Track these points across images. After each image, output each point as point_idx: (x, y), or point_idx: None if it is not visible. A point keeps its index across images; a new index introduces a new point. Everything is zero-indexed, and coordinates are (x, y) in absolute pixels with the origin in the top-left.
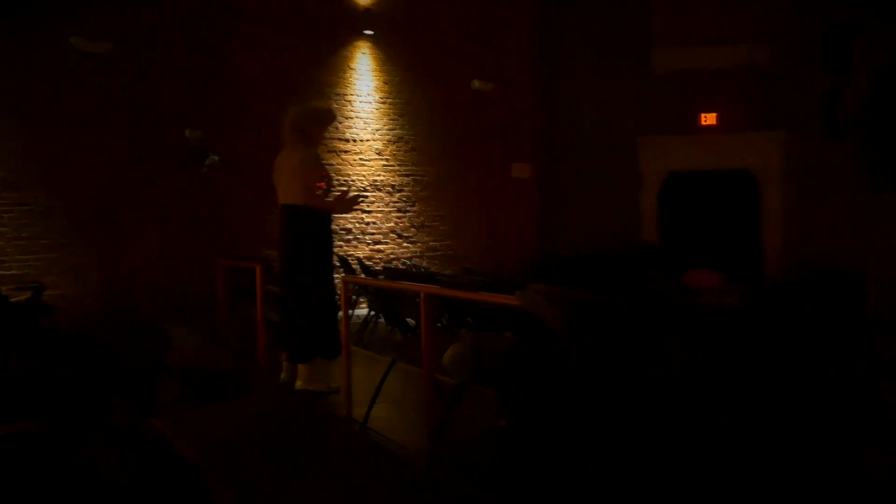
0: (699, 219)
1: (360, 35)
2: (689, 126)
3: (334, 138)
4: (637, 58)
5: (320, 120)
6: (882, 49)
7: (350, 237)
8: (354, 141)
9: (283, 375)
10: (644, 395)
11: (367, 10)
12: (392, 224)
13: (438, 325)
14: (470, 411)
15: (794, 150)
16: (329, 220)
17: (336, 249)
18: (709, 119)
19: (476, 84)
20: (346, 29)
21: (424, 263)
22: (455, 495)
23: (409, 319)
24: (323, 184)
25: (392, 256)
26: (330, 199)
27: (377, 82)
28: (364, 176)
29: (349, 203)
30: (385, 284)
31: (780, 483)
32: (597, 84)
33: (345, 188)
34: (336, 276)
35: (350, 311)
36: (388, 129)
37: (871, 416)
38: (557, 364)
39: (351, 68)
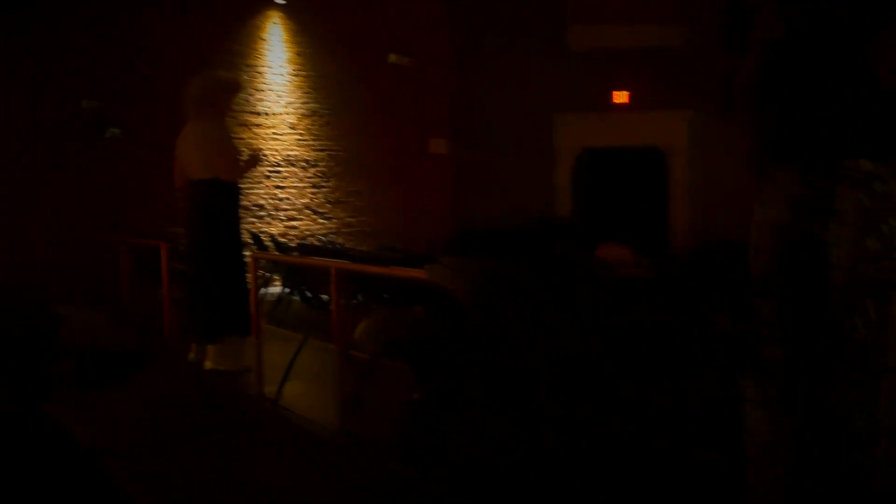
0: (612, 194)
1: (271, 4)
2: (602, 104)
3: (245, 111)
4: (553, 35)
5: (227, 90)
6: (775, 25)
7: (263, 213)
8: (266, 114)
9: (191, 355)
10: (549, 363)
11: None
12: (307, 200)
13: (354, 301)
14: (384, 386)
15: (701, 128)
16: (238, 195)
17: (248, 226)
18: (621, 97)
19: (392, 58)
20: None
21: (340, 240)
22: (368, 469)
23: (323, 296)
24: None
25: (307, 233)
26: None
27: (290, 54)
28: (277, 150)
29: (252, 163)
30: (295, 260)
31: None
32: (513, 60)
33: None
34: (247, 252)
35: (264, 290)
36: (301, 103)
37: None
38: (466, 335)
39: (262, 39)
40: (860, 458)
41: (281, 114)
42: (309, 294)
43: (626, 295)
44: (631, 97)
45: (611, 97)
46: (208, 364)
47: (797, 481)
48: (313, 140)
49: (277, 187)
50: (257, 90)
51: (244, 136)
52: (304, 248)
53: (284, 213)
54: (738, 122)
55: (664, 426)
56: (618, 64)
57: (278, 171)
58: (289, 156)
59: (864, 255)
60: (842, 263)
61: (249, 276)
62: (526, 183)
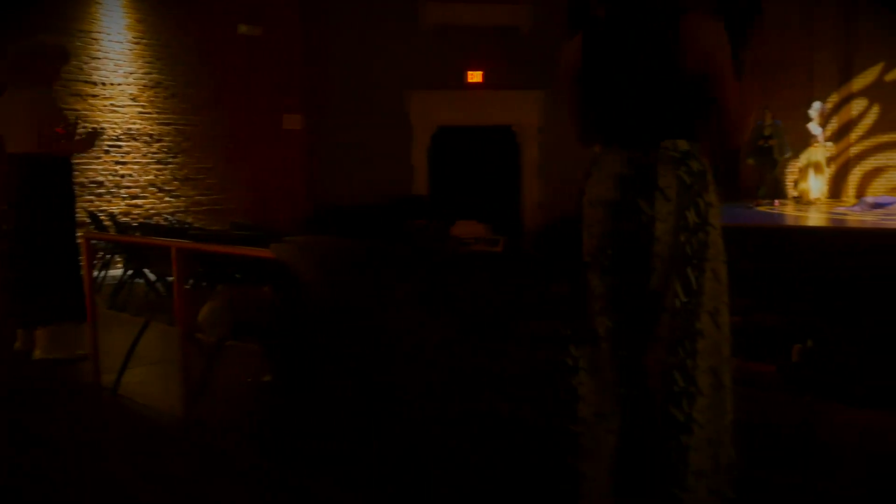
0: (467, 172)
1: None
2: (456, 82)
3: (78, 80)
4: (406, 11)
5: (53, 57)
6: (598, 8)
7: (102, 191)
8: (104, 84)
9: (18, 344)
10: (395, 339)
11: None
12: (151, 177)
13: (204, 284)
14: (234, 369)
15: (550, 108)
16: (69, 170)
17: (86, 204)
18: (475, 76)
19: (243, 28)
20: None
21: (189, 219)
22: (211, 457)
23: (169, 278)
24: (62, 128)
25: (153, 212)
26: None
27: (130, 20)
28: (117, 123)
29: (87, 142)
30: (133, 240)
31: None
32: (367, 36)
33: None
34: (82, 232)
35: (103, 272)
36: (143, 73)
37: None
38: (313, 315)
39: (97, 2)
40: (680, 415)
41: (120, 84)
42: (152, 276)
43: (477, 269)
44: (485, 76)
45: (465, 76)
46: (38, 353)
47: (626, 442)
48: (157, 113)
49: (118, 163)
50: (92, 58)
51: (78, 107)
52: (147, 228)
53: (126, 190)
54: (568, 103)
55: (509, 394)
56: (471, 43)
57: (118, 146)
58: (130, 129)
59: (684, 227)
60: (665, 236)
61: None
62: (382, 160)
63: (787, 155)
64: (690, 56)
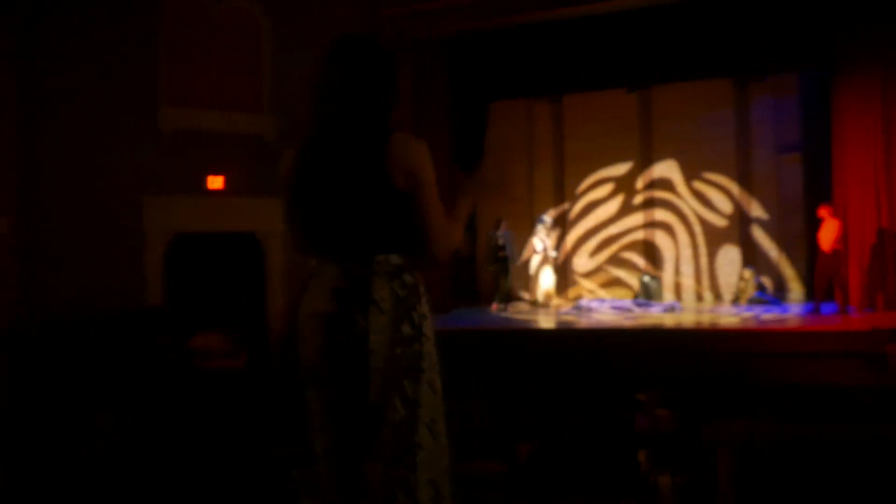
0: (208, 281)
1: None
2: (196, 188)
3: None
4: (143, 114)
5: None
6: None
7: None
8: None
9: None
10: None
11: None
12: None
13: None
14: None
15: None
16: None
17: None
18: (216, 182)
19: None
20: None
21: None
22: None
23: None
24: None
25: None
26: None
27: None
28: None
29: None
30: None
31: None
32: (95, 136)
33: None
34: None
35: None
36: None
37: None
38: None
39: None
40: None
41: None
42: None
43: (213, 386)
44: (226, 182)
45: (205, 182)
46: None
47: None
48: None
49: None
50: None
51: None
52: None
53: None
54: (284, 215)
55: None
56: (212, 149)
57: None
58: None
59: (399, 339)
60: (381, 349)
61: None
62: (112, 269)
63: (517, 262)
64: (397, 174)
